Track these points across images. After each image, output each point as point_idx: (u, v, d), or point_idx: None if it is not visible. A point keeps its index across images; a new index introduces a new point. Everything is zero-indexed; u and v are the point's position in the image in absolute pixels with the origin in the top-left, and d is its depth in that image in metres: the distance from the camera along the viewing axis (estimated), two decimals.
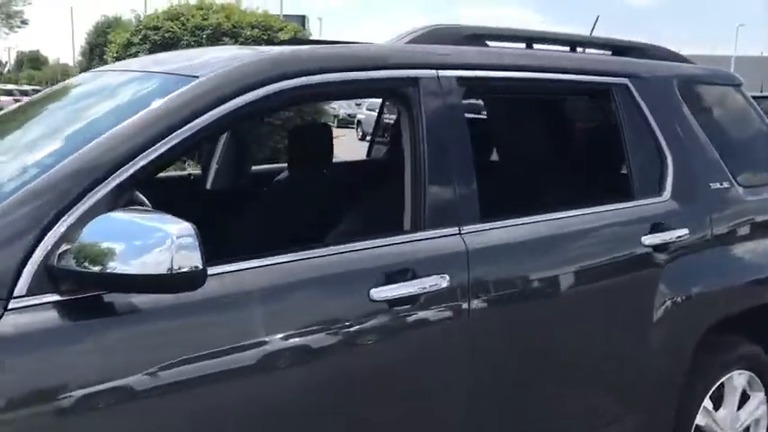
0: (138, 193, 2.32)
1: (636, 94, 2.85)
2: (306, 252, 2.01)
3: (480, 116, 4.03)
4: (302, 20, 24.04)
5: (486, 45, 2.69)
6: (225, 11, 11.14)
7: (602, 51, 3.13)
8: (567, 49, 2.97)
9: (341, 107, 25.52)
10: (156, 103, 1.93)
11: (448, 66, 2.40)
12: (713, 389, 2.98)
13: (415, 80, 2.31)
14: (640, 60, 3.05)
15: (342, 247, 2.08)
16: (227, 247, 3.41)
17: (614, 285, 2.62)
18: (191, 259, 1.59)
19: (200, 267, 1.61)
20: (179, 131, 1.87)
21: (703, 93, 3.20)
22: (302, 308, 1.96)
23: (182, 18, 10.90)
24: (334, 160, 3.62)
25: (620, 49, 3.11)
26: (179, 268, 1.58)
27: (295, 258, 1.98)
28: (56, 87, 2.88)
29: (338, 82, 2.16)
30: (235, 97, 1.95)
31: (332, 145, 3.46)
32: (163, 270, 1.57)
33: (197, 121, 1.90)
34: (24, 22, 45.47)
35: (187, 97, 1.93)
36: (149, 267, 1.57)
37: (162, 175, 3.81)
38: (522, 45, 2.84)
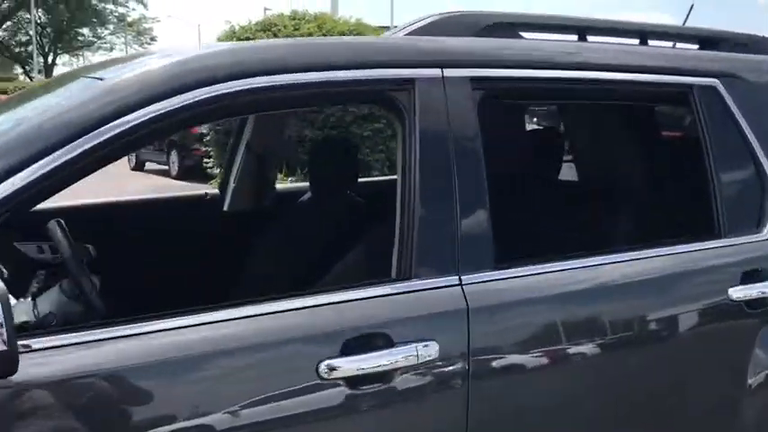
0: (55, 224, 1.92)
1: (727, 98, 2.16)
2: (228, 311, 1.51)
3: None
4: None
5: (521, 37, 2.10)
6: (317, 20, 10.88)
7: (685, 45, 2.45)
8: (637, 41, 2.32)
9: None
10: (42, 116, 1.50)
11: (458, 63, 1.84)
12: None
13: (410, 82, 1.76)
14: (736, 55, 2.34)
15: (287, 303, 1.56)
16: (241, 280, 3.03)
17: (685, 356, 1.95)
18: None
19: (5, 348, 1.14)
20: (57, 153, 1.42)
21: None
22: (210, 393, 1.45)
23: (274, 29, 10.72)
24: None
25: (709, 40, 2.42)
26: None
27: (210, 320, 1.48)
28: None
29: (297, 85, 1.64)
30: (137, 108, 1.48)
31: (356, 161, 2.95)
32: None
33: (87, 137, 1.44)
34: (153, 39, 47.76)
35: (75, 110, 1.48)
36: None
37: (174, 194, 3.46)
38: (573, 37, 2.22)
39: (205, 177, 11.40)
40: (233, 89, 1.54)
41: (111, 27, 43.94)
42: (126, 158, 17.32)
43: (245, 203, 3.17)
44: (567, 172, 3.18)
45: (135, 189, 12.46)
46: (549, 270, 1.82)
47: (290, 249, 2.93)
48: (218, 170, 10.83)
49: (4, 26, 39.53)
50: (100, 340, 1.41)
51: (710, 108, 2.14)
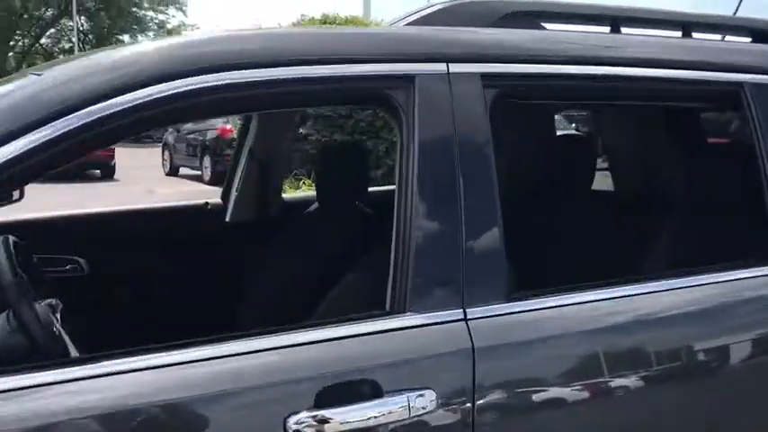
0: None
1: None
2: (177, 354, 1.25)
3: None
4: None
5: (543, 28, 1.82)
6: (348, 24, 10.67)
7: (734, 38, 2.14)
8: (679, 34, 2.02)
9: None
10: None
11: (467, 56, 1.57)
12: None
13: (409, 79, 1.49)
14: None
15: (247, 344, 1.30)
16: (243, 298, 2.80)
17: (737, 412, 1.65)
18: None
19: None
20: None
21: None
22: None
23: None
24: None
25: (763, 33, 2.10)
26: None
27: (158, 364, 1.23)
28: None
29: (265, 82, 1.38)
30: (73, 111, 1.24)
31: (367, 169, 2.69)
32: None
33: None
34: None
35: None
36: None
37: (173, 204, 3.24)
38: (606, 29, 1.93)
39: None
40: (167, 92, 1.29)
41: (151, 34, 44.40)
42: (161, 163, 17.38)
43: (249, 214, 2.94)
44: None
45: (165, 194, 12.43)
46: (575, 302, 1.53)
47: (294, 265, 2.69)
48: None
49: (47, 33, 40.25)
50: (25, 388, 1.18)
51: (766, 109, 1.83)
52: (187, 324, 2.67)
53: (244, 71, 1.34)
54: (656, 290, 1.62)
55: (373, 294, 1.53)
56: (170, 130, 16.79)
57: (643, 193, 2.29)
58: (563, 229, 2.12)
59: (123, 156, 16.55)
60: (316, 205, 2.85)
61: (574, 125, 9.04)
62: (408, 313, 1.40)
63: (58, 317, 1.78)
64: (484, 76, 1.55)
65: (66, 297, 2.64)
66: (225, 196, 2.99)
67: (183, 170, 16.71)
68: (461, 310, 1.42)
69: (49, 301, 1.79)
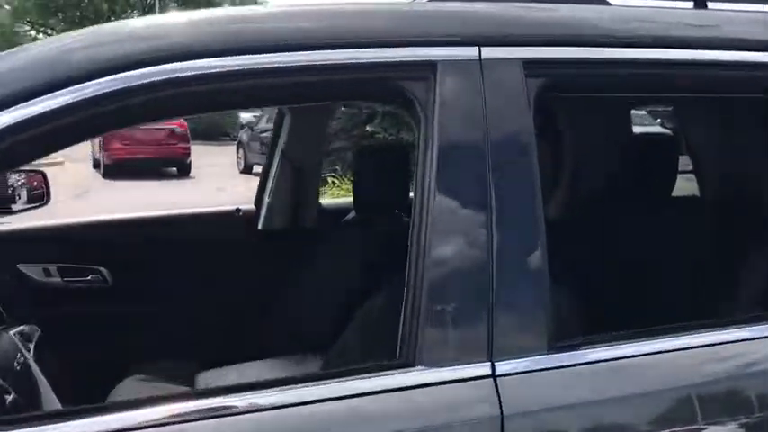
0: None
1: None
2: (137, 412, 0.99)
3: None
4: None
5: (606, 3, 1.47)
6: None
7: None
8: None
9: None
10: None
11: (504, 38, 1.24)
12: None
13: (429, 66, 1.18)
14: None
15: (198, 404, 1.01)
16: (272, 314, 2.55)
17: None
18: None
19: None
20: None
21: None
22: None
23: None
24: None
25: None
26: None
27: None
28: None
29: (249, 72, 1.09)
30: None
31: (407, 173, 2.38)
32: None
33: None
34: None
35: None
36: None
37: (201, 210, 3.02)
38: (688, 4, 1.56)
39: None
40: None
41: None
42: (235, 161, 17.55)
43: (282, 222, 2.69)
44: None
45: (237, 191, 12.46)
46: (640, 352, 1.18)
47: (327, 280, 2.42)
48: None
49: None
50: None
51: None
52: (214, 338, 2.48)
53: (195, 61, 1.06)
54: (753, 336, 1.25)
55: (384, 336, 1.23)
56: (245, 128, 16.95)
57: (739, 200, 1.89)
58: (631, 249, 1.75)
59: (199, 154, 16.80)
60: (353, 214, 2.57)
61: (659, 121, 8.35)
62: (418, 367, 1.08)
63: (31, 346, 1.56)
64: (527, 62, 1.21)
65: (89, 307, 2.50)
66: (258, 202, 2.75)
67: (256, 168, 16.80)
68: (489, 363, 1.09)
69: (21, 328, 1.57)
